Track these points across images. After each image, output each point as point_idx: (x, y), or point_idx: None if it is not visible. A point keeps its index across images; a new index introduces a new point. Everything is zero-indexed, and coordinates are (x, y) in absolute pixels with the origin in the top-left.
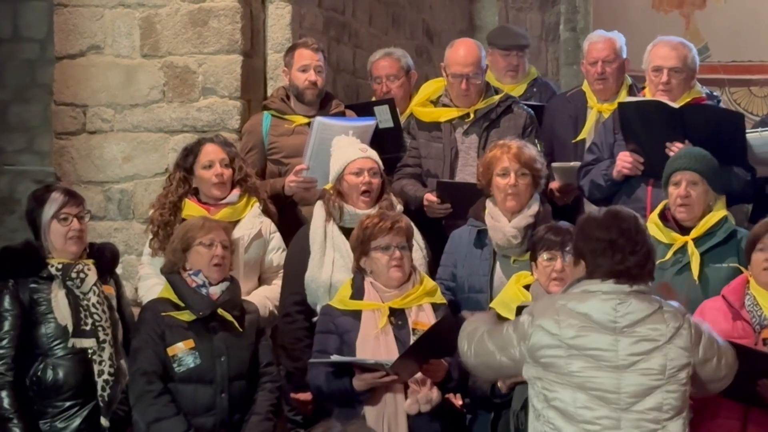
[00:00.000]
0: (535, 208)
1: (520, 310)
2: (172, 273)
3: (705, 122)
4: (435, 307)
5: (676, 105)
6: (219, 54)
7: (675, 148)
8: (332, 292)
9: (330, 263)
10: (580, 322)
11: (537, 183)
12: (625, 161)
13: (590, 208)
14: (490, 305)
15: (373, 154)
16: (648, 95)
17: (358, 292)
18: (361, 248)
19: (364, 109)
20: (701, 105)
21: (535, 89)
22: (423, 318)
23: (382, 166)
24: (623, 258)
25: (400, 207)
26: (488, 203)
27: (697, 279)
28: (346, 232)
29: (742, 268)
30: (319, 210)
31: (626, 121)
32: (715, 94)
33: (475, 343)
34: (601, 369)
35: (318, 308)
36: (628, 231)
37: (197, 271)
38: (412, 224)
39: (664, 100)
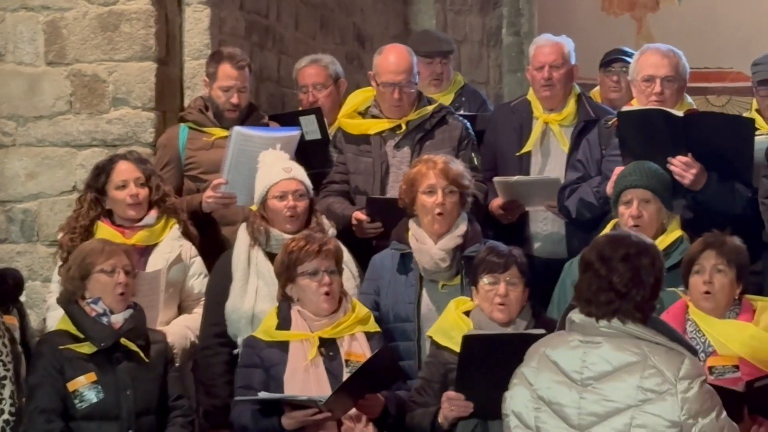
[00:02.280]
0: (463, 227)
1: (467, 340)
2: (69, 303)
3: (710, 132)
4: (368, 336)
5: (680, 113)
6: (131, 61)
7: (677, 162)
8: (255, 324)
9: (253, 292)
10: (552, 372)
11: (464, 201)
12: None
13: (537, 228)
14: (428, 334)
15: (299, 173)
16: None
17: (284, 322)
18: (287, 274)
19: (289, 120)
20: (707, 113)
21: (463, 98)
22: (356, 348)
23: (309, 186)
24: (599, 288)
25: (332, 230)
26: (412, 224)
27: None
28: (273, 258)
29: (680, 293)
30: (242, 234)
31: (625, 132)
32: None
33: None
34: (560, 428)
35: (239, 341)
36: (626, 257)
37: (96, 299)
38: (342, 246)
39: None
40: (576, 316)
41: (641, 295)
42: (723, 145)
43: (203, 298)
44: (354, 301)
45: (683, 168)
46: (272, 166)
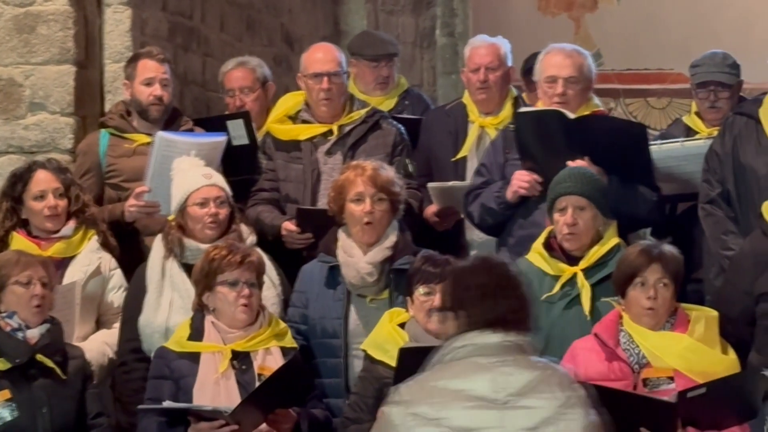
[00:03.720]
0: (393, 238)
1: (403, 354)
2: None
3: (606, 135)
4: (285, 351)
5: (572, 116)
6: (49, 64)
7: (575, 166)
8: (169, 337)
9: (167, 305)
10: (462, 401)
11: (395, 209)
12: (521, 180)
13: (473, 235)
14: (361, 347)
15: (219, 179)
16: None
17: (196, 333)
18: (205, 282)
19: (215, 124)
20: (600, 116)
21: (406, 102)
22: (270, 363)
23: (230, 193)
24: (495, 303)
25: (252, 238)
26: (341, 234)
27: (589, 314)
28: (188, 269)
29: (614, 302)
30: (158, 245)
31: (523, 135)
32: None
33: None
34: None
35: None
36: (499, 276)
37: (11, 313)
38: (265, 259)
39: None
40: (473, 339)
41: (528, 311)
42: (620, 149)
43: None
44: (272, 315)
45: None
46: (190, 172)
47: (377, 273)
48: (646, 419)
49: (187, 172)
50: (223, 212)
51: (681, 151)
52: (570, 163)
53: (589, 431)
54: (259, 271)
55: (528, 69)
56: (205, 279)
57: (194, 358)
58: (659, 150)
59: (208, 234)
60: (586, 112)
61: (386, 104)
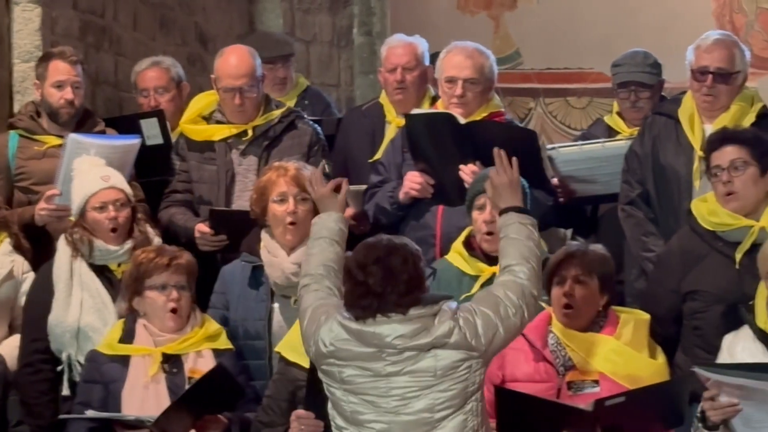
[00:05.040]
0: None
1: None
2: None
3: (496, 141)
4: (218, 353)
5: (463, 121)
6: None
7: (468, 170)
8: (80, 338)
9: (78, 305)
10: (351, 335)
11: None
12: (413, 182)
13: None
14: (276, 349)
15: (118, 181)
16: (441, 108)
17: (128, 336)
18: (134, 287)
19: (128, 123)
20: (490, 122)
21: (306, 101)
22: (202, 365)
23: (130, 193)
24: (359, 294)
25: (158, 240)
26: (264, 235)
27: None
28: (97, 269)
29: (544, 304)
30: (62, 245)
31: (415, 137)
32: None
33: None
34: (370, 376)
35: (63, 356)
36: (377, 260)
37: None
38: (194, 261)
39: (458, 114)
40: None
41: (397, 292)
42: (512, 154)
43: None
44: (205, 316)
45: (472, 177)
46: (89, 174)
47: None
48: (566, 426)
49: (85, 174)
50: (123, 215)
51: (602, 152)
52: (462, 167)
53: (467, 345)
54: (189, 272)
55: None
56: (134, 284)
57: (124, 361)
58: (580, 151)
59: (109, 237)
60: (485, 114)
61: (287, 105)
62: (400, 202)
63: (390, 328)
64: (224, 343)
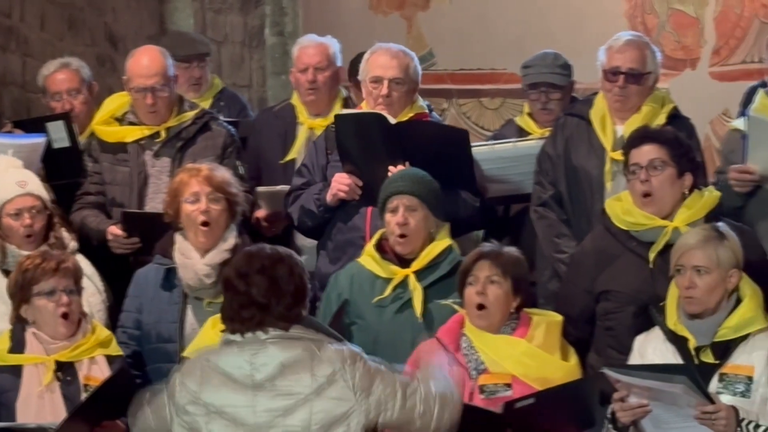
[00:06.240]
0: (231, 240)
1: None
2: None
3: (426, 141)
4: (110, 359)
5: (393, 120)
6: None
7: (396, 171)
8: None
9: None
10: (219, 379)
11: (234, 211)
12: (341, 183)
13: (303, 241)
14: (183, 354)
15: (35, 187)
16: (366, 109)
17: (18, 345)
18: (21, 295)
19: (34, 127)
20: (422, 122)
21: (222, 103)
22: (96, 372)
23: (47, 199)
24: (240, 305)
25: (73, 244)
26: (177, 237)
27: (421, 317)
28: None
29: (457, 306)
30: None
31: (342, 137)
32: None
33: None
34: (239, 429)
35: None
36: (262, 269)
37: None
38: (89, 266)
39: (384, 114)
40: (231, 336)
41: (283, 305)
42: (441, 154)
43: None
44: (94, 322)
45: None
46: (4, 179)
47: (215, 275)
48: (477, 429)
49: (1, 178)
50: (39, 222)
51: (513, 151)
52: (392, 168)
53: (354, 397)
54: (77, 276)
55: (356, 70)
56: (20, 292)
57: (16, 371)
58: (492, 151)
59: (24, 243)
60: (410, 114)
61: (201, 106)
62: (327, 204)
63: (267, 356)
64: (115, 349)
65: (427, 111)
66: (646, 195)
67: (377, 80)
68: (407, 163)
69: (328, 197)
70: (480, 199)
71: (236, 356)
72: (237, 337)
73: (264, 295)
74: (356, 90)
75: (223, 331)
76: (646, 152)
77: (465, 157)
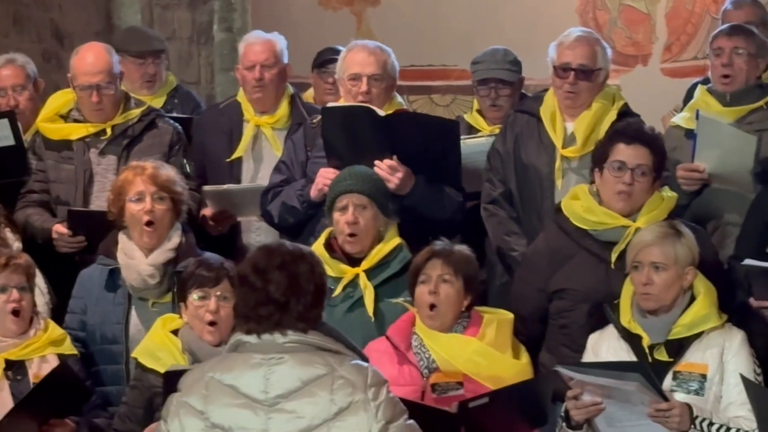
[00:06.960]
0: (176, 240)
1: (168, 377)
2: None
3: (415, 134)
4: (62, 358)
5: (382, 113)
6: None
7: (384, 165)
8: None
9: None
10: (228, 397)
11: (178, 210)
12: (327, 178)
13: (249, 239)
14: (132, 355)
15: None
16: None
17: None
18: None
19: None
20: (410, 113)
21: (176, 100)
22: (47, 371)
23: None
24: (257, 302)
25: (18, 245)
26: (121, 237)
27: (372, 316)
28: None
29: (408, 305)
30: None
31: (329, 131)
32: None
33: None
34: None
35: None
36: (282, 265)
37: None
38: (33, 262)
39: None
40: (245, 336)
41: (303, 304)
42: (429, 148)
43: None
44: (47, 320)
45: (389, 171)
46: None
47: (159, 275)
48: (431, 428)
49: None
50: None
51: (463, 149)
52: (378, 163)
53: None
54: (29, 273)
55: (321, 63)
56: None
57: None
58: (464, 145)
59: None
60: (390, 111)
61: (155, 103)
62: (311, 200)
63: (282, 373)
64: (69, 348)
65: (405, 107)
66: (623, 193)
67: (356, 77)
68: (395, 157)
69: (313, 192)
70: (462, 193)
71: (250, 370)
72: (252, 339)
73: (283, 293)
74: (322, 83)
75: (232, 331)
76: (637, 155)
77: (454, 148)
